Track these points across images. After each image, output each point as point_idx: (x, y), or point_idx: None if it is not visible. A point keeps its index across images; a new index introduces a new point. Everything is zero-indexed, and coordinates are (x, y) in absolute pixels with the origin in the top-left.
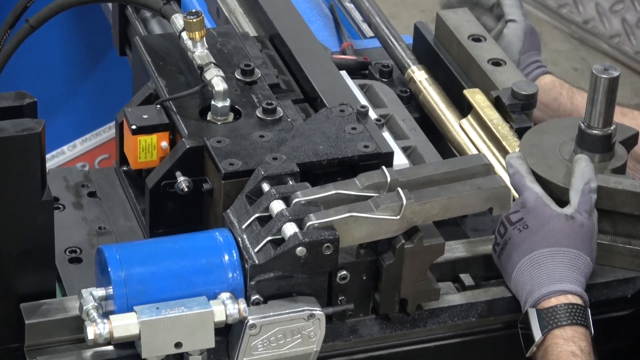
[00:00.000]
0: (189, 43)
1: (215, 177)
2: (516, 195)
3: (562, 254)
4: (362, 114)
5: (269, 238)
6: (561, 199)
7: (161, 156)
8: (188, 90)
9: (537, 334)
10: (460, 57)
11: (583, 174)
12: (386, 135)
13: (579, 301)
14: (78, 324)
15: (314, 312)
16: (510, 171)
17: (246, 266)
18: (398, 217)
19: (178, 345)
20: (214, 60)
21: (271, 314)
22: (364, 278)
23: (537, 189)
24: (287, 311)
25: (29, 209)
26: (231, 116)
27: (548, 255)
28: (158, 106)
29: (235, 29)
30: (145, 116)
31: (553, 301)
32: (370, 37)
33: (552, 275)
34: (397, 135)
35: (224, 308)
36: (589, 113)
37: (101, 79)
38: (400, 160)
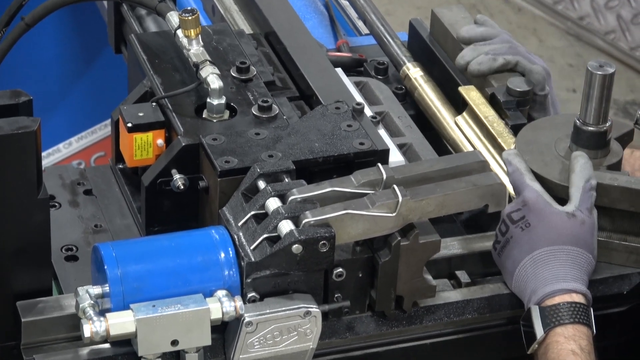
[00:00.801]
0: (185, 41)
1: (211, 175)
2: (512, 192)
3: (565, 252)
4: (358, 111)
5: (265, 235)
6: (557, 196)
7: (157, 154)
8: (184, 88)
9: (539, 331)
10: (456, 54)
11: (583, 171)
12: (382, 132)
13: (582, 300)
14: (74, 322)
15: (310, 309)
16: (509, 169)
17: (242, 264)
18: (394, 214)
19: (174, 342)
20: (209, 58)
21: (267, 311)
22: (360, 275)
23: (537, 186)
24: (283, 308)
25: (25, 207)
26: (227, 114)
27: (551, 253)
28: (154, 104)
29: (231, 27)
30: (140, 114)
31: (557, 299)
32: (366, 35)
33: (556, 274)
34: (393, 133)
35: (220, 305)
36: (584, 109)
37: (97, 77)
38: (395, 157)
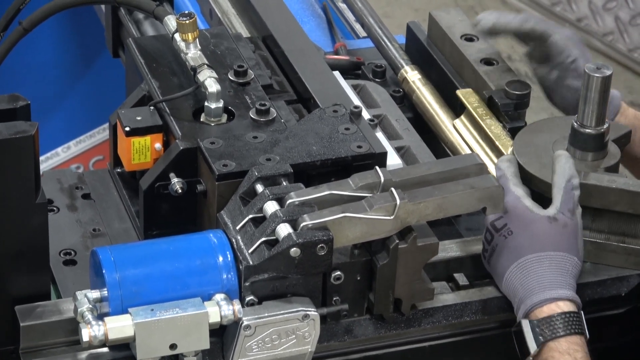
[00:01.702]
0: (182, 44)
1: (209, 179)
2: None
3: (549, 259)
4: (356, 114)
5: (263, 239)
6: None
7: (155, 158)
8: (181, 91)
9: (532, 346)
10: (453, 56)
11: (564, 171)
12: (379, 135)
13: (571, 307)
14: (73, 326)
15: (308, 312)
16: (497, 174)
17: (240, 267)
18: (392, 217)
19: (173, 346)
20: (207, 62)
21: (266, 314)
22: (358, 278)
23: (518, 191)
24: (281, 312)
25: (23, 211)
26: (224, 117)
27: (535, 261)
28: (151, 108)
29: (228, 30)
30: (138, 118)
31: (545, 310)
32: (363, 37)
33: (541, 282)
34: (391, 136)
35: (219, 309)
36: (581, 112)
37: (94, 81)
38: (393, 160)
